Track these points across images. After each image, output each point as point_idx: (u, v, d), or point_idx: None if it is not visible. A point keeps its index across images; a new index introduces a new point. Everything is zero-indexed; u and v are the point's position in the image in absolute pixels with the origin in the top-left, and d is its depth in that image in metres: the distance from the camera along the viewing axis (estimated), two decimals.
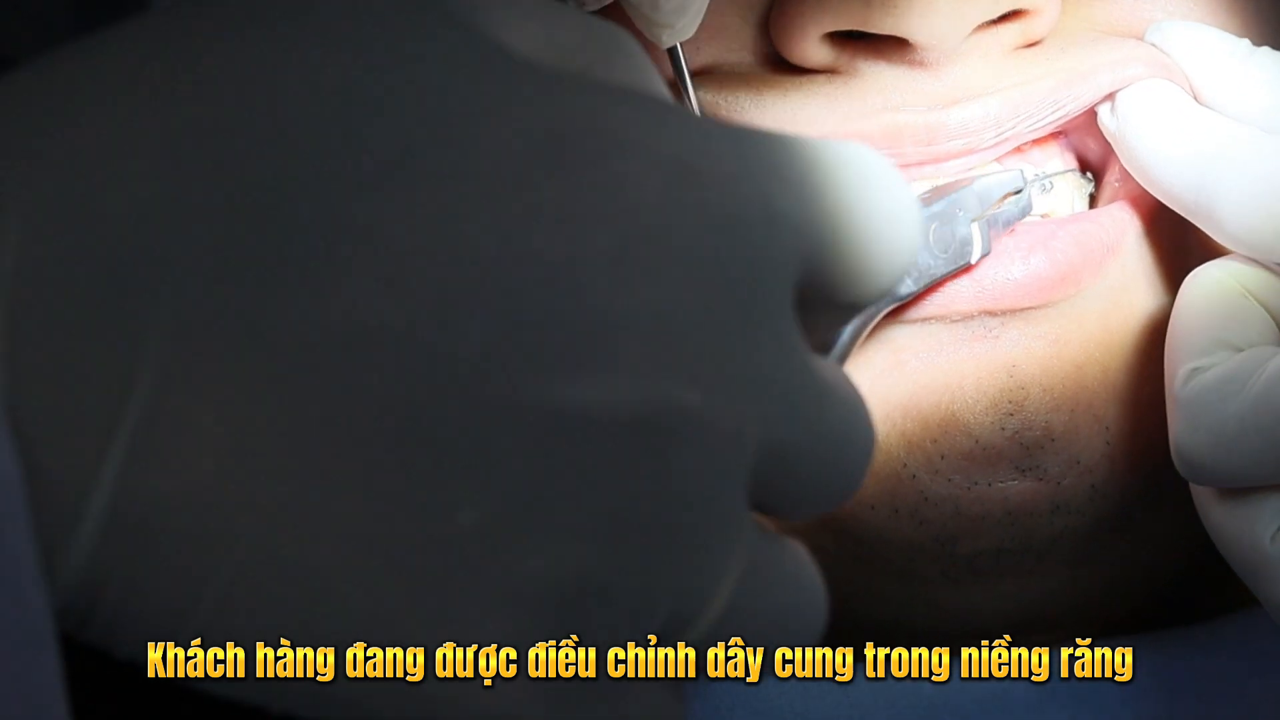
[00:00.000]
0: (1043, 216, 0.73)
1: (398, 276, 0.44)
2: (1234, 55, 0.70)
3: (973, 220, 0.69)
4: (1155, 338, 0.71)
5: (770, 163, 0.48)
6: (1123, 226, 0.72)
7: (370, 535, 0.44)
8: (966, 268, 0.69)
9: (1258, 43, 0.71)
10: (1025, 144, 0.73)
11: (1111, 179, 0.74)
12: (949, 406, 0.70)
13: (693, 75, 0.69)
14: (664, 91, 0.51)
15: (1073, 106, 0.71)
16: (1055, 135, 0.74)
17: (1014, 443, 0.70)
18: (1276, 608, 0.64)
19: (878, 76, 0.70)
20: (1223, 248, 0.69)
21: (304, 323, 0.44)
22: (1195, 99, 0.71)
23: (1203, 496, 0.66)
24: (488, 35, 0.47)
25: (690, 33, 0.65)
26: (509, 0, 0.49)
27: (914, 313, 0.70)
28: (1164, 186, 0.69)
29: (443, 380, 0.44)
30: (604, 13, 0.66)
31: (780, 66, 0.71)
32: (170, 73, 0.45)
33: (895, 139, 0.70)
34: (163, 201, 0.44)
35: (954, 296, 0.70)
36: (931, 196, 0.69)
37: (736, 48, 0.71)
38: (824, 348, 0.64)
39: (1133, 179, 0.71)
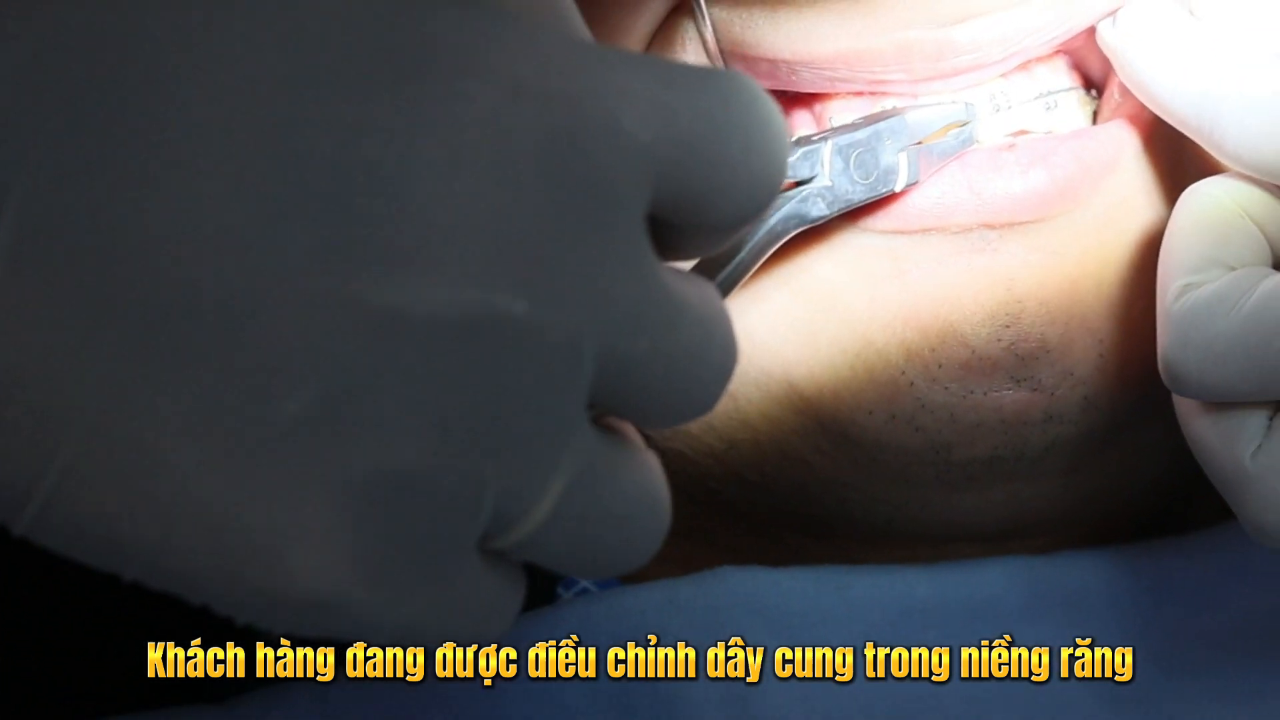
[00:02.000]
0: (1046, 133, 0.74)
1: (232, 174, 0.46)
2: None
3: (902, 149, 0.70)
4: (1151, 254, 0.72)
5: (623, 84, 0.49)
6: (1121, 143, 0.73)
7: (200, 420, 0.46)
8: (890, 196, 0.70)
9: None
10: (1032, 61, 0.74)
11: (1111, 95, 0.74)
12: (947, 317, 0.71)
13: None
14: (560, 7, 0.52)
15: (1076, 22, 0.72)
16: (1062, 52, 0.75)
17: (1009, 354, 0.71)
18: (1252, 523, 0.65)
19: None
20: (1221, 165, 0.69)
21: (138, 214, 0.46)
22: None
23: (1186, 410, 0.67)
24: None
25: None
26: None
27: (914, 223, 0.71)
28: (1164, 103, 0.69)
29: (270, 274, 0.46)
30: None
31: None
32: None
33: (905, 55, 0.71)
34: (8, 98, 0.45)
35: (954, 209, 0.71)
36: (859, 123, 0.70)
37: None
38: (714, 266, 0.65)
39: (1132, 96, 0.72)
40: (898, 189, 0.70)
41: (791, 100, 0.74)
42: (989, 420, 0.72)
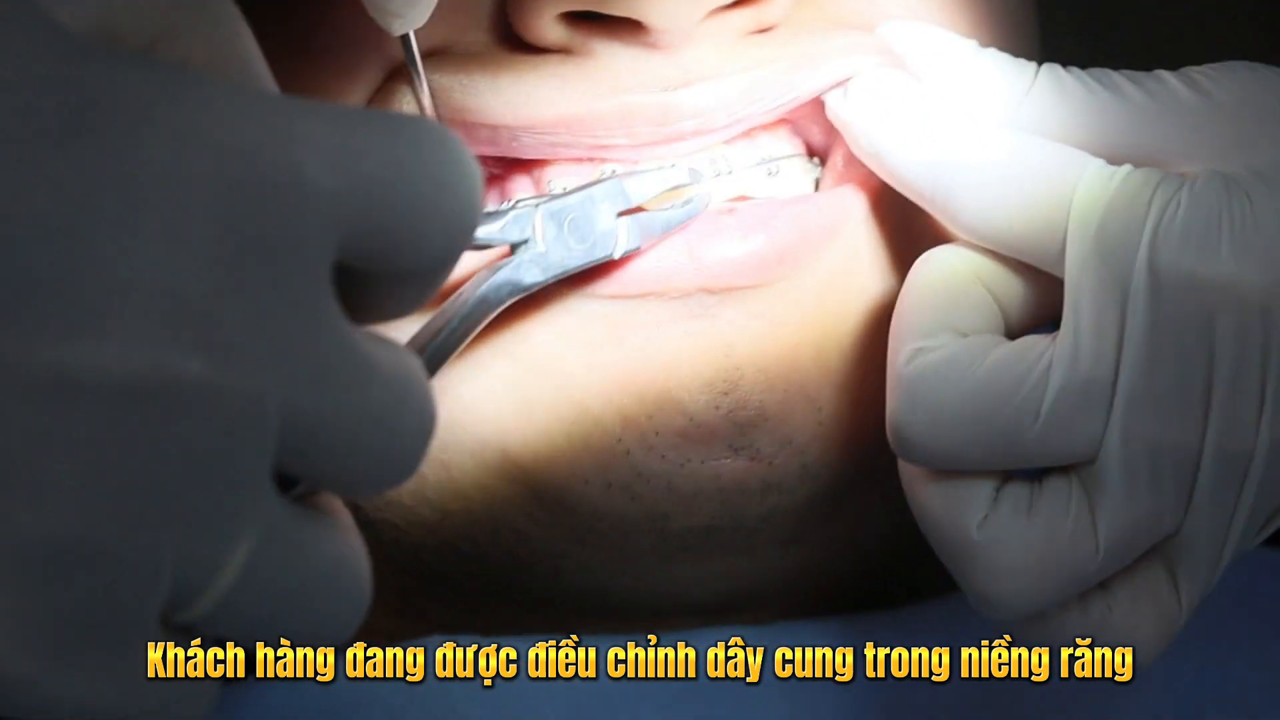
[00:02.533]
0: (768, 199, 0.73)
1: None
2: (962, 53, 0.71)
3: (622, 213, 0.70)
4: (873, 321, 0.73)
5: (304, 133, 0.48)
6: (845, 209, 0.73)
7: None
8: (608, 262, 0.70)
9: (984, 43, 0.72)
10: (755, 129, 0.73)
11: (835, 164, 0.74)
12: (664, 384, 0.70)
13: (426, 56, 0.69)
14: (249, 60, 0.51)
15: (803, 91, 0.72)
16: (785, 121, 0.75)
17: (727, 422, 0.70)
18: (978, 594, 0.66)
19: (612, 57, 0.70)
20: (950, 233, 0.70)
21: None
22: None
23: (912, 477, 0.67)
24: (29, 2, 0.47)
25: (421, 22, 0.64)
26: None
27: (632, 288, 0.70)
28: (897, 175, 0.69)
29: None
30: None
31: (516, 46, 0.71)
32: None
33: (628, 120, 0.70)
34: None
35: (673, 273, 0.70)
36: (577, 188, 0.70)
37: (472, 27, 0.71)
38: (426, 338, 0.65)
39: (857, 164, 0.72)
40: (616, 255, 0.70)
41: (511, 165, 0.73)
42: (707, 489, 0.71)
